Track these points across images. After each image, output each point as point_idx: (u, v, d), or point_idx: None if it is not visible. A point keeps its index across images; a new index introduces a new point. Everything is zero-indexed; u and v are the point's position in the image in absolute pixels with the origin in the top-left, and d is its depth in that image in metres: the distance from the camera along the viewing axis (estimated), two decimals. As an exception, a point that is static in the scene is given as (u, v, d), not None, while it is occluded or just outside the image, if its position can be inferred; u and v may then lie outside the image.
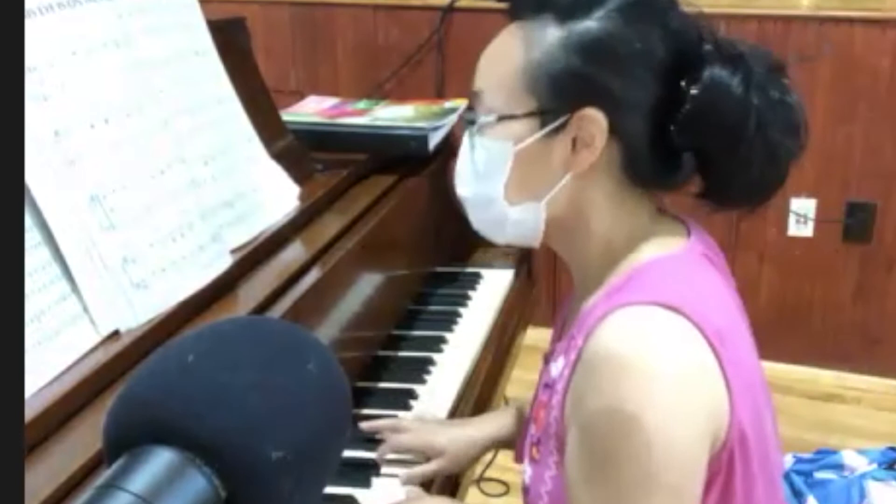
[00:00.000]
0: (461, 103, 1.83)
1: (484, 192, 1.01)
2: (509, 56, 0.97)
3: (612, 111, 0.93)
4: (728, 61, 0.93)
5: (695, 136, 0.94)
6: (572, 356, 0.94)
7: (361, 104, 1.86)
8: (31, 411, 0.86)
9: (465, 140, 1.03)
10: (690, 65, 0.94)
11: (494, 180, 0.99)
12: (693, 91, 0.93)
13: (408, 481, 1.21)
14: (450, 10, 2.97)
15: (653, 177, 0.98)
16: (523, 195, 0.99)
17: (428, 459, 1.25)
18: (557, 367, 0.98)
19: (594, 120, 0.93)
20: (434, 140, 1.68)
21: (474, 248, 1.92)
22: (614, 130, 0.94)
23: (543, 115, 0.95)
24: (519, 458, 1.14)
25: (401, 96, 2.54)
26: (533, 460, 1.02)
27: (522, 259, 1.91)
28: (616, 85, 0.93)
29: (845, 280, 2.74)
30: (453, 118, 1.76)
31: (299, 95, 2.00)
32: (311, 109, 1.82)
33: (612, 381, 0.86)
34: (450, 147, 1.85)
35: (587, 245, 1.00)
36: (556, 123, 0.94)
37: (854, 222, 2.66)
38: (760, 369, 0.99)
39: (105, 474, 0.46)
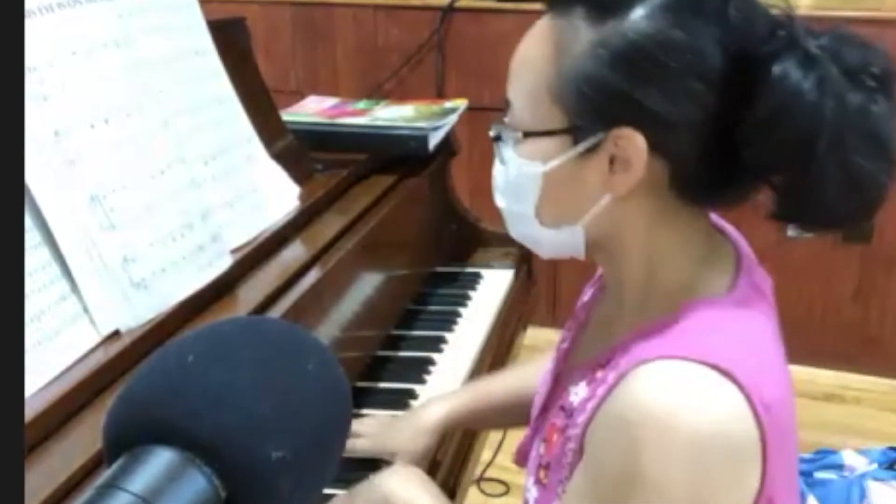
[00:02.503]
0: (461, 103, 1.83)
1: (516, 210, 0.91)
2: (538, 61, 0.84)
3: (653, 131, 0.80)
4: (803, 60, 0.78)
5: (758, 151, 0.80)
6: (599, 391, 0.85)
7: (361, 104, 1.86)
8: (31, 411, 0.86)
9: (495, 151, 0.92)
10: (756, 66, 0.78)
11: (525, 201, 0.89)
12: (757, 99, 0.78)
13: None
14: (450, 10, 2.97)
15: (707, 195, 0.86)
16: (557, 218, 0.88)
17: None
18: (578, 394, 0.90)
19: (631, 141, 0.81)
20: (434, 140, 1.68)
21: (474, 248, 1.93)
22: (657, 150, 0.81)
23: (574, 132, 0.83)
24: (519, 462, 1.10)
25: (401, 96, 2.54)
26: (540, 483, 0.96)
27: (522, 259, 1.91)
28: (658, 102, 0.79)
29: (845, 280, 2.74)
30: (453, 118, 1.76)
31: (299, 95, 2.00)
32: (311, 109, 1.82)
33: (640, 439, 0.76)
34: (450, 147, 1.85)
35: (629, 267, 0.90)
36: (588, 144, 0.83)
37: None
38: (794, 414, 0.87)
39: (105, 474, 0.46)
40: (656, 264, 0.88)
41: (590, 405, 0.86)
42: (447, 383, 1.45)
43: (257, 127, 1.37)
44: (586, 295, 1.08)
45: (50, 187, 0.96)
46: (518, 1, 2.91)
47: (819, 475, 1.97)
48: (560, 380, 1.02)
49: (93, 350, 0.97)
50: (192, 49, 1.27)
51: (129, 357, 0.97)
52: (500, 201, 0.93)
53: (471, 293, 1.75)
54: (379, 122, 1.71)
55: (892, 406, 2.74)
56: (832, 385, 2.76)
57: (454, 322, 1.64)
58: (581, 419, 0.86)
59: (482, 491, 2.35)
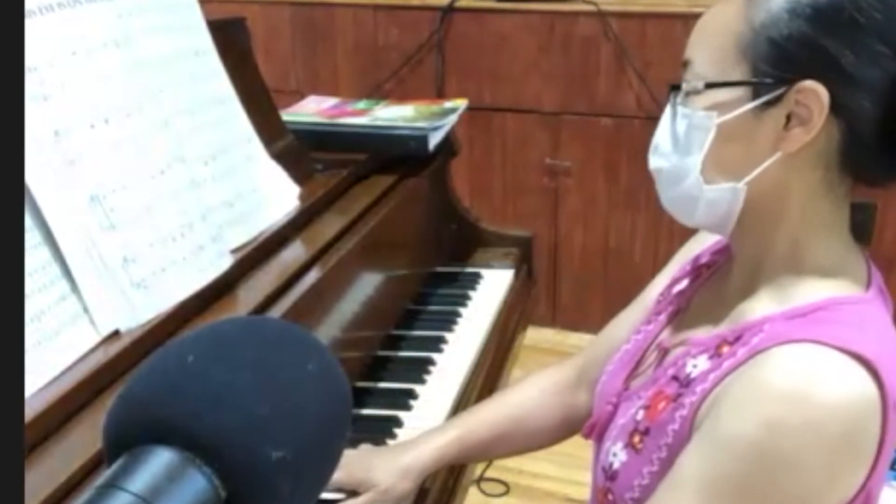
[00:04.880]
0: (461, 103, 1.83)
1: (679, 165, 0.91)
2: (728, 20, 0.87)
3: (836, 87, 0.83)
4: None
5: None
6: (726, 365, 0.87)
7: (361, 104, 1.86)
8: (31, 411, 0.86)
9: (668, 110, 0.93)
10: None
11: (692, 154, 0.90)
12: None
13: None
14: (450, 10, 2.97)
15: (873, 167, 0.88)
16: (722, 173, 0.89)
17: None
18: (698, 366, 0.92)
19: (815, 94, 0.83)
20: (434, 140, 1.68)
21: (474, 248, 1.93)
22: (836, 109, 0.84)
23: (757, 85, 0.86)
24: (589, 435, 1.08)
25: (401, 96, 2.55)
26: (632, 448, 0.96)
27: (522, 259, 1.91)
28: (846, 57, 0.82)
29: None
30: (453, 118, 1.76)
31: (299, 95, 2.00)
32: (311, 109, 1.82)
33: (778, 414, 0.80)
34: (450, 147, 1.85)
35: (774, 238, 0.91)
36: (770, 96, 0.85)
37: (854, 222, 2.65)
38: None
39: (105, 474, 0.46)
40: (805, 241, 0.90)
41: (713, 376, 0.88)
42: (447, 383, 1.46)
43: (257, 127, 1.37)
44: (680, 284, 1.09)
45: (50, 187, 0.96)
46: (518, 1, 2.91)
47: (819, 475, 1.97)
48: (654, 359, 1.02)
49: (93, 350, 0.97)
50: (192, 49, 1.27)
51: (129, 357, 0.97)
52: (661, 161, 0.94)
53: (471, 293, 1.75)
54: (379, 122, 1.71)
55: (892, 406, 2.74)
56: (832, 385, 2.75)
57: (454, 322, 1.64)
58: (701, 388, 0.89)
59: (482, 491, 2.35)
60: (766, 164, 0.87)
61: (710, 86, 0.88)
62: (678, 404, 0.91)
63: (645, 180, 0.99)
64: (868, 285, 0.91)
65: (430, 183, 1.77)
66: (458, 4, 2.96)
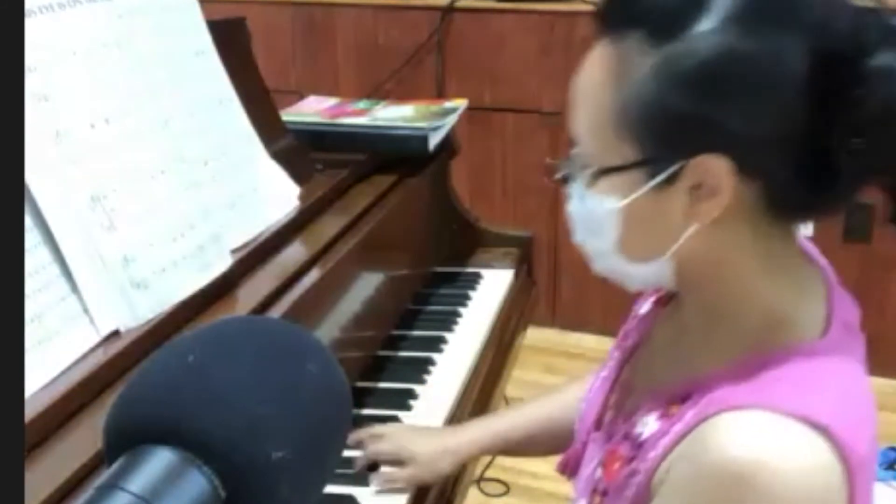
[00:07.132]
0: (461, 103, 1.83)
1: (597, 247, 0.85)
2: (598, 89, 0.78)
3: (738, 153, 0.74)
4: None
5: (869, 154, 0.75)
6: (675, 429, 0.80)
7: (361, 104, 1.86)
8: (31, 411, 0.86)
9: (570, 190, 0.87)
10: (847, 63, 0.73)
11: (604, 238, 0.83)
12: (858, 98, 0.72)
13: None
14: (450, 10, 2.97)
15: (807, 208, 0.81)
16: (642, 252, 0.83)
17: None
18: (648, 427, 0.85)
19: (715, 168, 0.75)
20: (434, 140, 1.68)
21: (474, 248, 1.93)
22: (746, 172, 0.75)
23: (648, 165, 0.77)
24: (563, 472, 1.08)
25: (401, 96, 2.54)
26: None
27: (522, 259, 1.91)
28: (740, 122, 0.73)
29: (845, 280, 2.73)
30: (453, 118, 1.76)
31: (299, 95, 2.00)
32: (311, 109, 1.82)
33: (729, 492, 0.72)
34: (450, 147, 1.85)
35: (719, 297, 0.84)
36: (667, 174, 0.76)
37: (854, 222, 2.66)
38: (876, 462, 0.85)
39: (105, 474, 0.46)
40: (749, 294, 0.82)
41: (663, 442, 0.82)
42: (447, 383, 1.46)
43: (257, 127, 1.37)
44: (642, 307, 1.03)
45: (50, 187, 0.96)
46: (518, 1, 2.91)
47: (819, 475, 1.97)
48: (616, 400, 0.98)
49: (93, 350, 0.97)
50: (192, 49, 1.27)
51: (129, 357, 0.97)
52: (579, 237, 0.88)
53: (471, 293, 1.75)
54: (379, 122, 1.71)
55: (892, 406, 2.74)
56: (832, 385, 2.75)
57: (454, 322, 1.64)
58: (652, 455, 0.82)
59: (482, 491, 2.34)
60: (684, 236, 0.79)
61: (602, 172, 0.80)
62: (632, 469, 0.85)
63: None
64: (826, 328, 0.83)
65: (430, 183, 1.77)
66: (458, 4, 2.96)
